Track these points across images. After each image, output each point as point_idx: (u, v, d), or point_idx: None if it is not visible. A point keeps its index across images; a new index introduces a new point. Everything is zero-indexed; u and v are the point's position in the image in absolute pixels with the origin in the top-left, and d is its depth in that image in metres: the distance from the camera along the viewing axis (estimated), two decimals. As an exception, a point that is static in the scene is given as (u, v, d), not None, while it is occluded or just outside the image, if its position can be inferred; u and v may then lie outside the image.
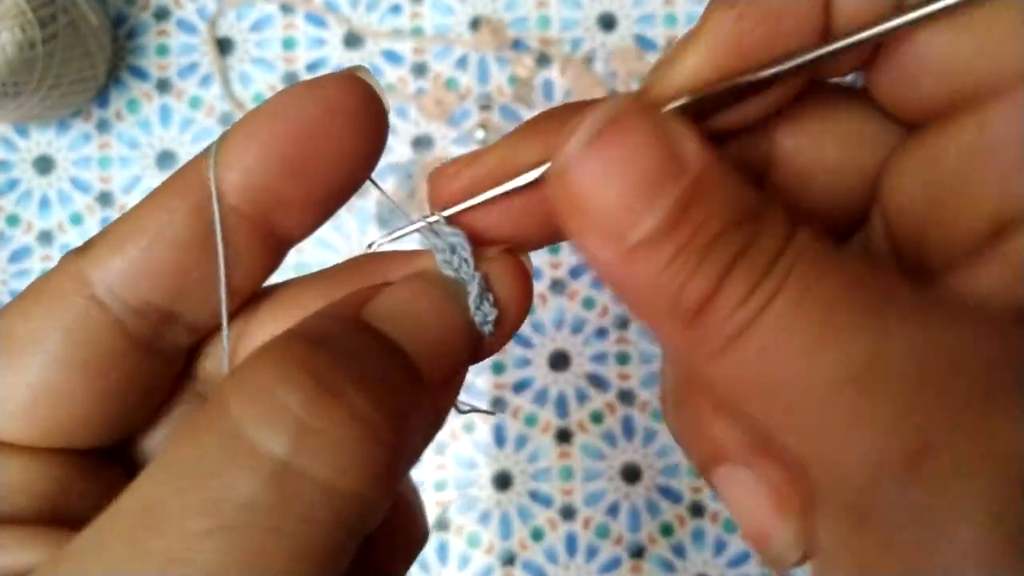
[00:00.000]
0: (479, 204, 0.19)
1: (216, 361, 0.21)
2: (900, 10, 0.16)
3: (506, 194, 0.18)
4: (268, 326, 0.20)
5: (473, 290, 0.18)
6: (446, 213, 0.19)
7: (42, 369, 0.18)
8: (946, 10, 0.16)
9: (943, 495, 0.14)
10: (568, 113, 0.18)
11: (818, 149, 0.19)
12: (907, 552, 0.14)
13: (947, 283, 0.17)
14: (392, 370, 0.16)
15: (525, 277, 0.20)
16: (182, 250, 0.18)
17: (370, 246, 0.21)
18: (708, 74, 0.17)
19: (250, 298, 0.20)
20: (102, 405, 0.18)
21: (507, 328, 0.20)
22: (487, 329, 0.19)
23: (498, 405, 0.63)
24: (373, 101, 0.18)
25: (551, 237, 0.19)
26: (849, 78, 0.19)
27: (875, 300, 0.15)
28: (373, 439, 0.15)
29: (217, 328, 0.20)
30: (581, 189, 0.16)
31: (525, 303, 0.20)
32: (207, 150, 0.18)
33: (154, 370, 0.19)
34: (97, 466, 0.19)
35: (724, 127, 0.18)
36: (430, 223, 0.19)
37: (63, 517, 0.18)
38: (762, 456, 0.18)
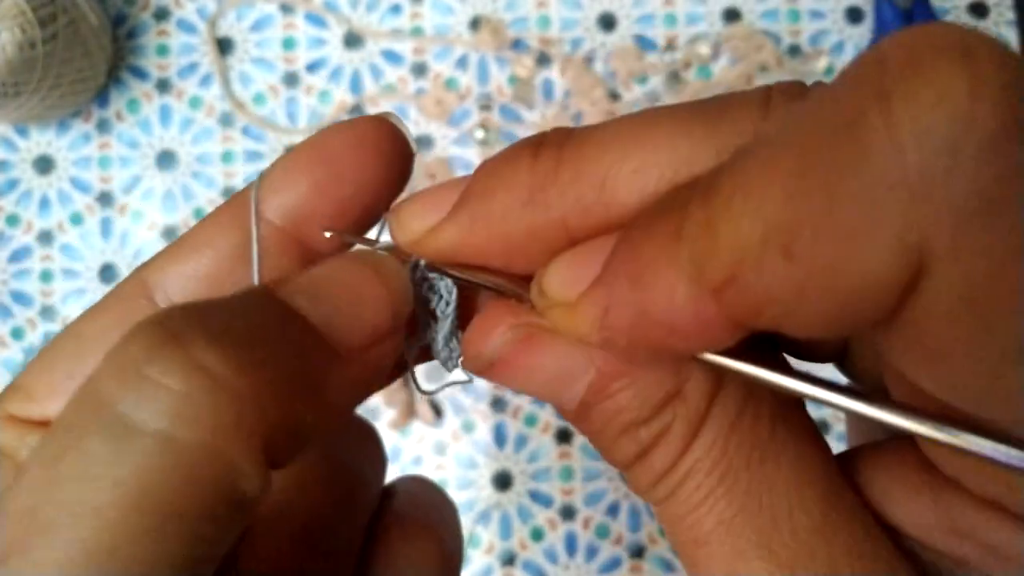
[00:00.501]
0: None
1: None
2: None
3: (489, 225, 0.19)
4: None
5: (444, 328, 0.21)
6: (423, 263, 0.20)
7: (96, 361, 0.19)
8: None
9: None
10: (523, 153, 0.19)
11: (908, 513, 0.19)
12: None
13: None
14: (275, 331, 0.16)
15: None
16: (229, 261, 0.20)
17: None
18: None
19: None
20: None
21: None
22: (452, 365, 0.21)
23: (498, 405, 0.63)
24: (399, 141, 0.21)
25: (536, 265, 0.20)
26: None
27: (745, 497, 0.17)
28: (220, 389, 0.15)
29: None
30: (508, 380, 0.19)
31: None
32: (258, 178, 0.21)
33: None
34: None
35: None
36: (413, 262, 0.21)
37: None
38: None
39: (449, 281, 0.20)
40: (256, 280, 0.20)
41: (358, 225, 0.21)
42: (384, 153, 0.21)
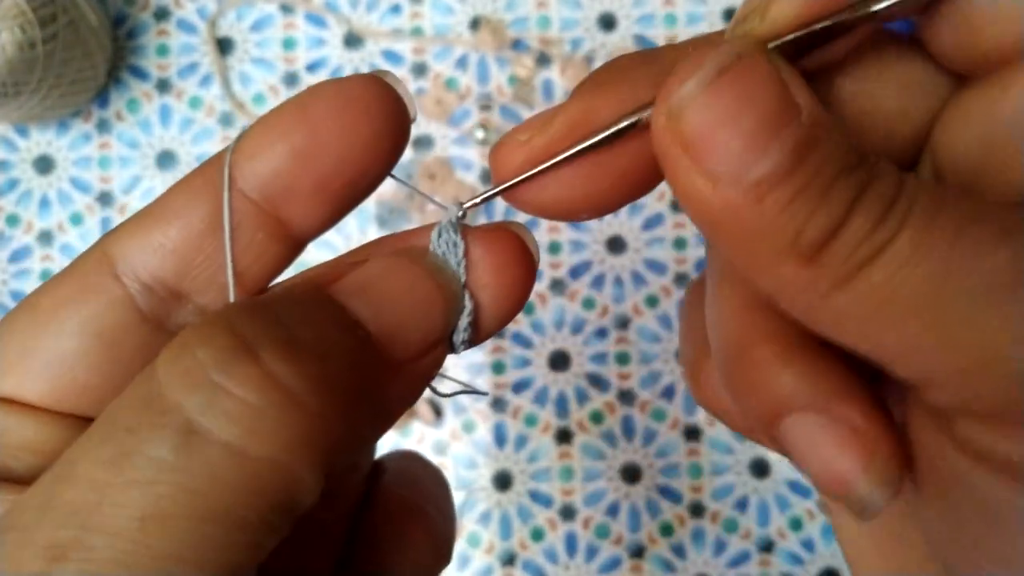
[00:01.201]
0: (549, 170, 0.18)
1: None
2: None
3: (581, 154, 0.18)
4: None
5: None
6: (516, 181, 0.19)
7: (58, 336, 0.18)
8: None
9: None
10: (636, 61, 0.18)
11: (874, 96, 0.19)
12: None
13: None
14: (341, 343, 0.16)
15: (518, 260, 0.20)
16: (197, 233, 0.19)
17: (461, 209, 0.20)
18: (803, 17, 0.17)
19: (262, 291, 0.21)
20: (111, 374, 0.19)
21: (491, 325, 0.20)
22: (462, 338, 0.19)
23: (498, 405, 0.63)
24: (393, 101, 0.18)
25: (627, 196, 0.19)
26: (903, 26, 0.19)
27: (1001, 220, 0.15)
28: (293, 405, 0.15)
29: None
30: (699, 129, 0.16)
31: (512, 287, 0.19)
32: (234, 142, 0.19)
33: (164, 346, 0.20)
34: None
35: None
36: (454, 215, 0.19)
37: None
38: (841, 400, 0.18)
39: (460, 246, 0.19)
40: (228, 258, 0.19)
41: (342, 203, 0.19)
42: (376, 118, 0.18)
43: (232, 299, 0.19)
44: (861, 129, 0.19)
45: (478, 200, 0.20)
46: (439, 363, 0.18)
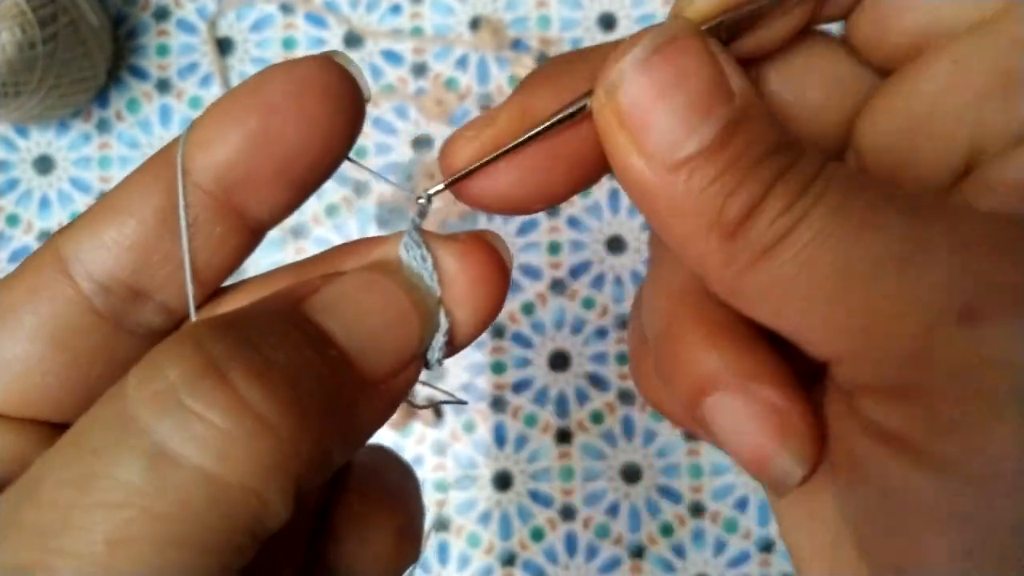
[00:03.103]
0: (496, 162, 0.19)
1: None
2: None
3: (526, 144, 0.18)
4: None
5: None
6: (470, 169, 0.19)
7: (13, 340, 0.18)
8: None
9: (994, 346, 0.14)
10: (576, 57, 0.19)
11: (800, 89, 0.20)
12: (958, 413, 0.14)
13: None
14: (313, 364, 0.16)
15: (491, 273, 0.19)
16: (153, 229, 0.18)
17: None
18: (723, 3, 0.18)
19: (223, 284, 0.20)
20: (69, 378, 0.19)
21: (461, 338, 0.19)
22: (437, 356, 0.19)
23: (498, 405, 0.63)
24: (347, 82, 0.18)
25: (576, 184, 0.19)
26: (835, 28, 0.20)
27: (909, 202, 0.16)
28: (264, 431, 0.14)
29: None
30: (633, 104, 0.16)
31: (486, 301, 0.19)
32: (185, 131, 0.18)
33: (124, 347, 0.19)
34: None
35: None
36: (419, 201, 0.19)
37: None
38: (760, 380, 0.18)
39: (428, 256, 0.18)
40: (186, 257, 0.18)
41: (300, 189, 0.19)
42: (331, 99, 0.18)
43: (191, 297, 0.19)
44: (787, 119, 0.20)
45: (432, 192, 0.19)
46: (413, 381, 0.18)
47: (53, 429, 0.19)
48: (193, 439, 0.14)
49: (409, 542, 0.24)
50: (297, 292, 0.18)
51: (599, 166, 0.19)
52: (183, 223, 0.18)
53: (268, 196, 0.18)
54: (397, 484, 0.25)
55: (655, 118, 0.16)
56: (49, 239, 0.19)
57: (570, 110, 0.18)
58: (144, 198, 0.18)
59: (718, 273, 0.17)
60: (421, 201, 0.19)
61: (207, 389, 0.14)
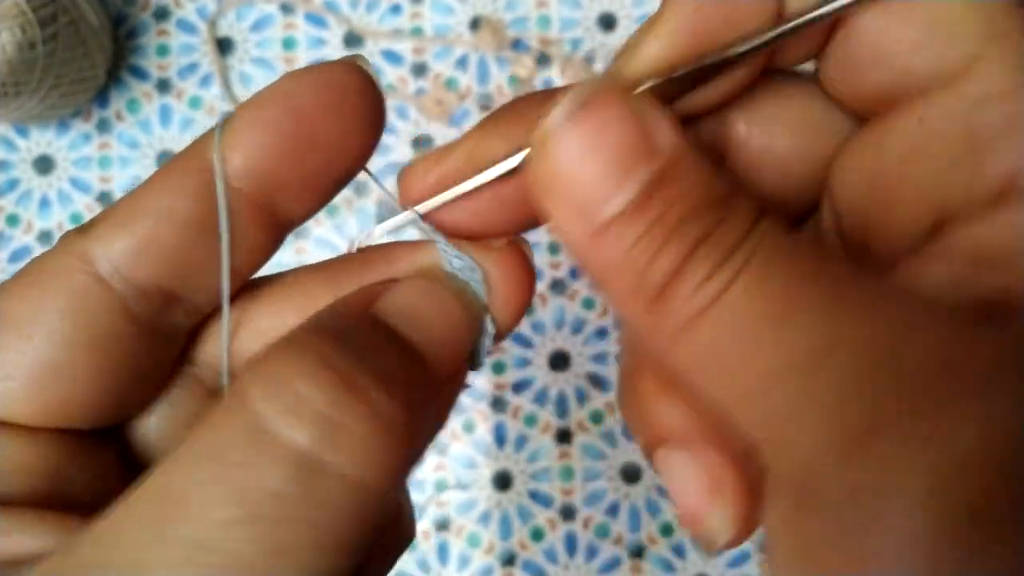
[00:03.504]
0: (451, 199, 0.19)
1: (214, 344, 0.21)
2: None
3: (477, 186, 0.19)
4: (269, 312, 0.20)
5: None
6: (421, 209, 0.19)
7: (43, 347, 0.18)
8: None
9: (885, 473, 0.13)
10: (532, 102, 0.19)
11: (770, 136, 0.19)
12: (845, 532, 0.14)
13: (893, 276, 0.18)
14: (405, 367, 0.17)
15: (526, 278, 0.20)
16: (186, 230, 0.18)
17: (354, 244, 0.21)
18: (670, 58, 0.17)
19: (248, 282, 0.20)
20: (102, 385, 0.18)
21: (502, 330, 0.20)
22: (482, 358, 0.20)
23: (498, 405, 0.63)
24: (372, 88, 0.18)
25: (522, 226, 0.20)
26: (807, 66, 0.19)
27: (830, 289, 0.15)
28: (393, 435, 0.15)
29: (215, 311, 0.20)
30: (557, 164, 0.16)
31: (522, 305, 0.20)
32: (210, 131, 0.18)
33: (154, 351, 0.19)
34: (92, 447, 0.19)
35: (684, 112, 0.18)
36: (416, 223, 0.20)
37: (59, 499, 0.18)
38: (702, 440, 0.18)
39: (479, 272, 0.19)
40: (225, 261, 0.18)
41: (330, 190, 0.19)
42: (360, 103, 0.18)
43: (226, 296, 0.19)
44: (756, 168, 0.19)
45: (422, 210, 0.20)
46: (463, 382, 0.19)
47: (82, 437, 0.19)
48: (337, 447, 0.15)
49: (395, 532, 0.23)
50: (365, 298, 0.18)
51: None
52: (224, 225, 0.18)
53: (300, 198, 0.19)
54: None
55: (578, 179, 0.16)
56: (66, 240, 0.18)
57: (511, 165, 0.18)
58: (178, 200, 0.18)
59: (649, 336, 0.16)
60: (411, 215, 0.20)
61: (347, 402, 0.15)
